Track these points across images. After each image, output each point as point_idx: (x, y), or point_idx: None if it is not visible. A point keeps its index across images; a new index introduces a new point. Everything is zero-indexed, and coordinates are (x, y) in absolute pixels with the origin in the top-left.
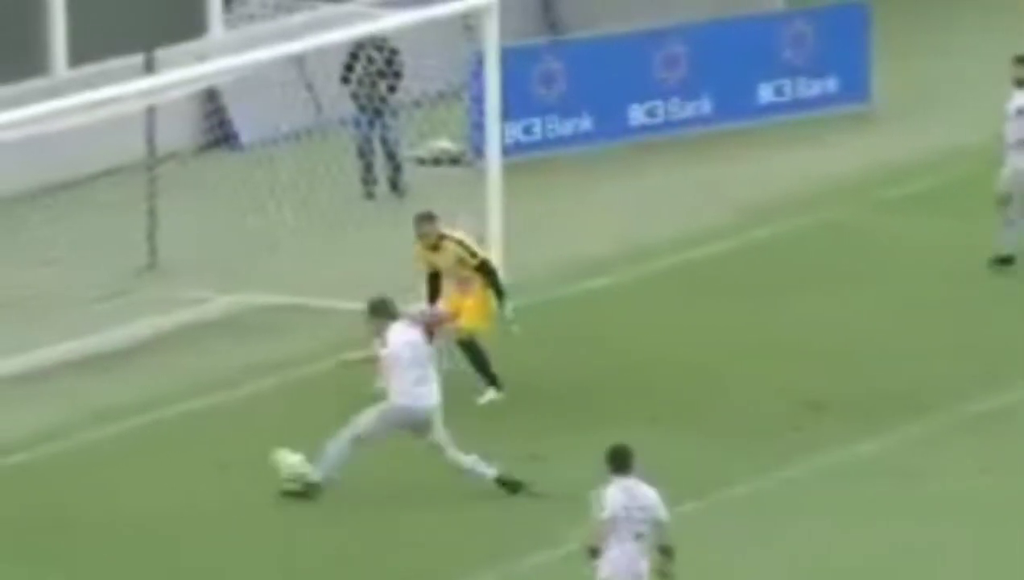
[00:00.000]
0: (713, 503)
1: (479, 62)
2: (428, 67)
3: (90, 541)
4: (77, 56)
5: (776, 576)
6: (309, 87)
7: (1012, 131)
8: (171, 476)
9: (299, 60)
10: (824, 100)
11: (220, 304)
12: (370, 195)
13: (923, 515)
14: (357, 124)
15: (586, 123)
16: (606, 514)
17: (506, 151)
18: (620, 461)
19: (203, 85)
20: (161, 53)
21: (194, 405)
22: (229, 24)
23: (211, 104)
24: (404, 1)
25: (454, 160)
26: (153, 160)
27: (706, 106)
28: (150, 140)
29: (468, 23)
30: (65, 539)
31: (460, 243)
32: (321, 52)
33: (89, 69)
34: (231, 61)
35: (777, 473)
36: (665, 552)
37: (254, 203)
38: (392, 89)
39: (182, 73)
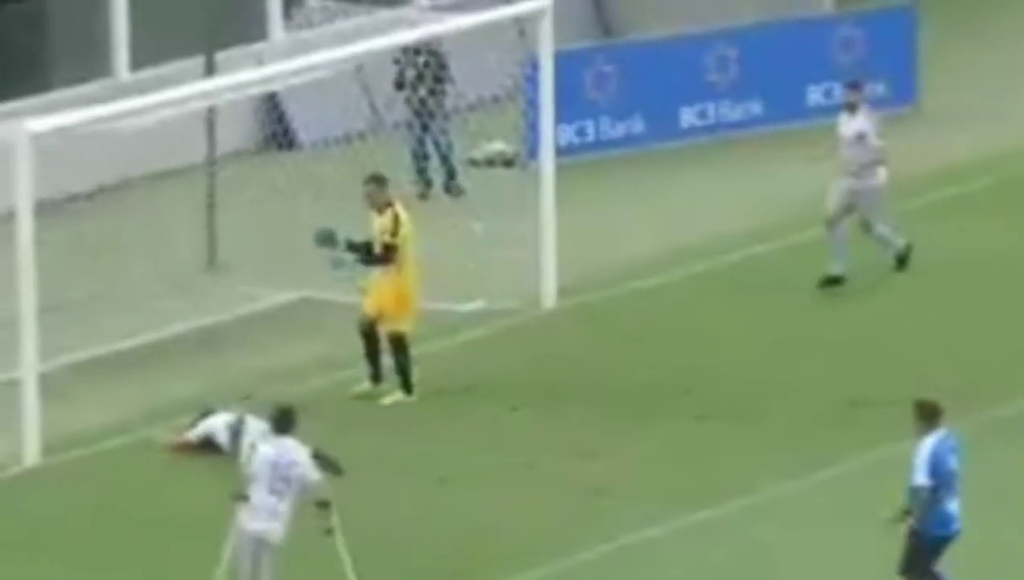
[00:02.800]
0: (761, 500)
1: (533, 65)
2: (483, 71)
3: (149, 537)
4: (139, 59)
5: (822, 572)
6: (365, 89)
7: None
8: (229, 473)
9: (356, 63)
10: (872, 102)
11: (277, 301)
12: (424, 196)
13: (969, 513)
14: (411, 127)
15: (638, 125)
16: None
17: (559, 153)
18: (280, 421)
19: (263, 88)
20: (221, 56)
21: (250, 399)
22: (288, 27)
23: (270, 106)
24: (459, 5)
25: (508, 162)
26: (213, 160)
27: (756, 108)
28: (210, 141)
29: (522, 27)
30: (123, 533)
31: (395, 218)
32: (377, 55)
33: (151, 72)
34: (290, 64)
35: (824, 470)
36: (322, 505)
37: (311, 203)
38: (441, 93)
39: (242, 76)
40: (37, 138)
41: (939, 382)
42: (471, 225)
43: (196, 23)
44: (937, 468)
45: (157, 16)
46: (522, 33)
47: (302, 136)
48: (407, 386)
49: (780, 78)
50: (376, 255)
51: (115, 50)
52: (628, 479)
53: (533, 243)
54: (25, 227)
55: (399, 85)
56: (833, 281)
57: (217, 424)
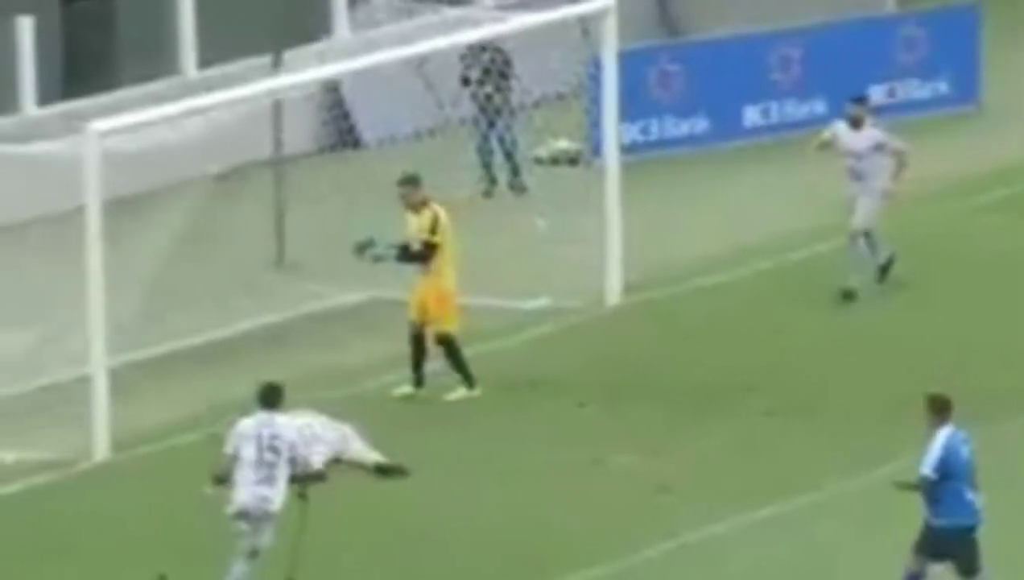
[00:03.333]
0: (823, 497)
1: (597, 64)
2: (547, 69)
3: (216, 532)
4: (206, 57)
5: (884, 570)
6: (430, 87)
7: None
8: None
9: (421, 61)
10: (935, 102)
11: (345, 300)
12: (489, 193)
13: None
14: (476, 124)
15: (702, 124)
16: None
17: (623, 151)
18: (267, 397)
19: (327, 85)
20: (287, 54)
21: (319, 397)
22: (353, 26)
23: (335, 104)
24: (523, 4)
25: (572, 160)
26: (279, 158)
27: (819, 107)
28: (276, 139)
29: (586, 26)
30: (190, 529)
31: (433, 217)
32: (442, 53)
33: (218, 70)
34: (355, 62)
35: (887, 467)
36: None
37: (376, 200)
38: (506, 91)
39: (308, 74)
40: (105, 136)
41: (996, 382)
42: (536, 222)
43: (263, 21)
44: (950, 461)
45: (224, 14)
46: (586, 32)
47: (367, 135)
48: (469, 381)
49: (843, 77)
50: (415, 253)
51: (183, 48)
52: (691, 476)
53: (597, 241)
54: (94, 225)
55: (464, 82)
56: (848, 295)
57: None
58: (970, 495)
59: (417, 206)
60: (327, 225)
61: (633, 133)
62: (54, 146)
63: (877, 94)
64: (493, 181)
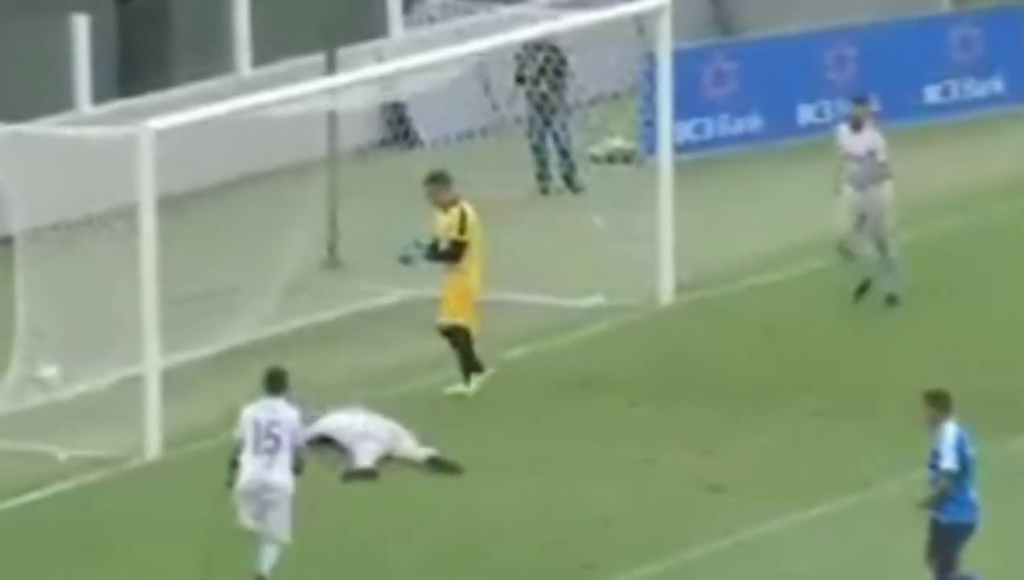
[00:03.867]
0: (876, 496)
1: (651, 62)
2: (601, 67)
3: None
4: (261, 55)
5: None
6: (486, 86)
7: None
8: (341, 467)
9: (477, 60)
10: (990, 100)
11: (397, 298)
12: (545, 191)
13: None
14: (532, 122)
15: (756, 122)
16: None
17: (677, 149)
18: (271, 383)
19: (384, 86)
20: (342, 53)
21: (371, 395)
22: (408, 24)
23: (390, 103)
24: (578, 3)
25: (627, 158)
26: (334, 157)
27: (874, 106)
28: (332, 138)
29: (641, 24)
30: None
31: (462, 216)
32: (498, 52)
33: (272, 68)
34: (410, 61)
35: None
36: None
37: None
38: (561, 89)
39: (363, 72)
40: (160, 134)
41: None
42: (592, 220)
43: (317, 20)
44: (966, 458)
45: (279, 13)
46: (641, 30)
47: (423, 134)
48: (469, 378)
49: (898, 76)
50: (444, 252)
51: (237, 46)
52: (745, 474)
53: (651, 239)
54: (148, 223)
55: (519, 80)
56: (891, 299)
57: (335, 423)
58: (973, 493)
59: (446, 205)
60: (380, 224)
61: (687, 132)
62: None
63: (932, 93)
64: (549, 179)
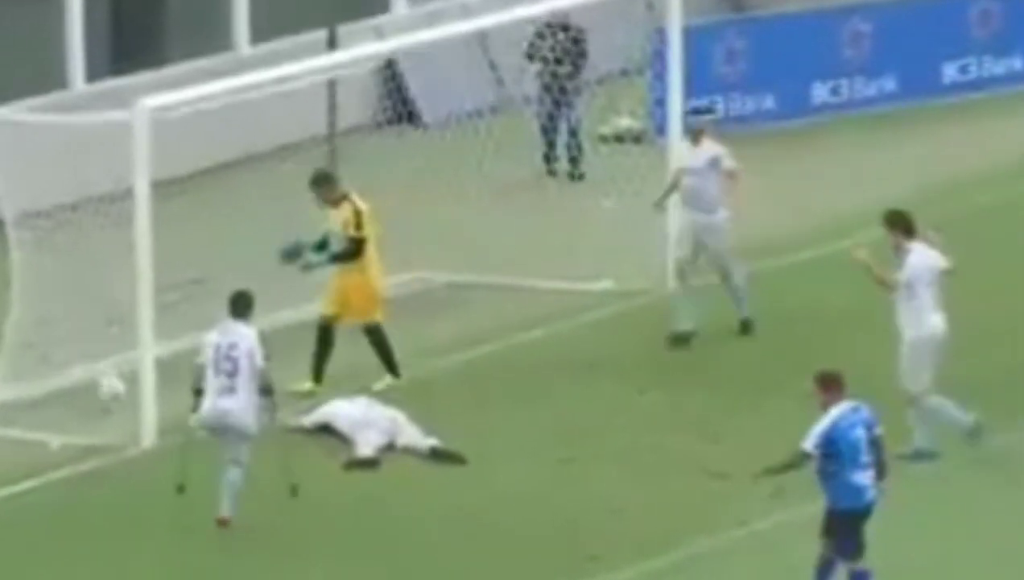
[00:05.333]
0: (893, 485)
1: (661, 40)
2: (611, 45)
3: (264, 518)
4: (259, 33)
5: (952, 554)
6: (491, 64)
7: None
8: (344, 455)
9: (481, 37)
10: (1009, 78)
11: (402, 281)
12: (552, 172)
13: None
14: (541, 102)
15: (769, 101)
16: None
17: (687, 129)
18: (234, 305)
19: (383, 61)
20: (343, 29)
21: (372, 383)
22: (412, 0)
23: (392, 81)
24: None
25: (636, 138)
26: (334, 136)
27: (890, 84)
28: (331, 117)
29: (650, 0)
30: (239, 515)
31: (356, 211)
32: (504, 29)
33: (271, 45)
34: (412, 37)
35: (949, 454)
36: (264, 392)
37: (435, 180)
38: (577, 70)
39: (364, 49)
40: (155, 114)
41: None
42: (600, 202)
43: None
44: (837, 440)
45: None
46: (650, 6)
47: (426, 113)
48: (394, 370)
49: (915, 54)
50: (344, 252)
51: (235, 23)
52: (756, 463)
53: (660, 222)
54: (143, 206)
55: (530, 58)
56: (683, 339)
57: (337, 411)
58: (858, 477)
59: (336, 202)
60: (382, 205)
61: None
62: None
63: (951, 71)
64: (556, 161)
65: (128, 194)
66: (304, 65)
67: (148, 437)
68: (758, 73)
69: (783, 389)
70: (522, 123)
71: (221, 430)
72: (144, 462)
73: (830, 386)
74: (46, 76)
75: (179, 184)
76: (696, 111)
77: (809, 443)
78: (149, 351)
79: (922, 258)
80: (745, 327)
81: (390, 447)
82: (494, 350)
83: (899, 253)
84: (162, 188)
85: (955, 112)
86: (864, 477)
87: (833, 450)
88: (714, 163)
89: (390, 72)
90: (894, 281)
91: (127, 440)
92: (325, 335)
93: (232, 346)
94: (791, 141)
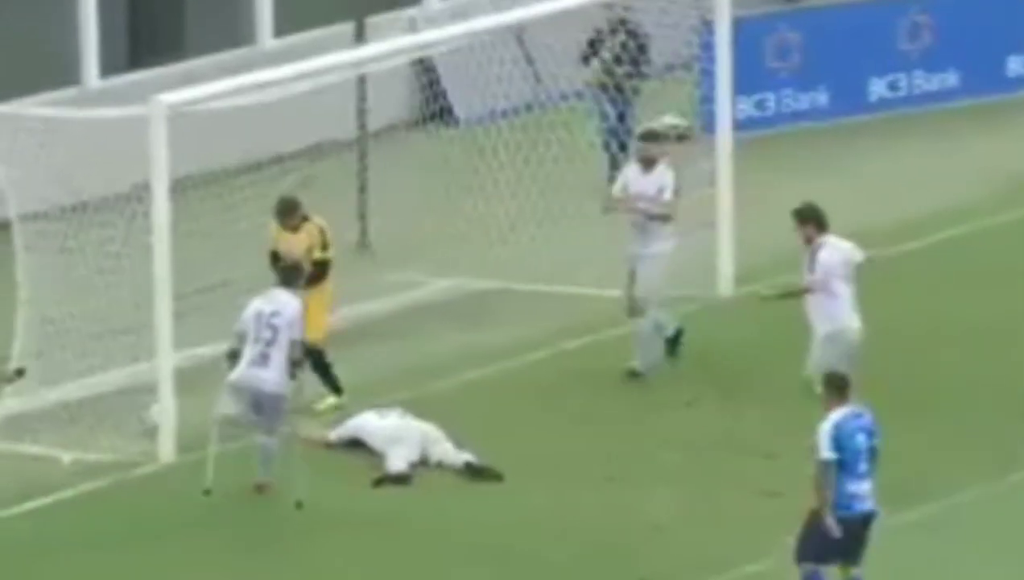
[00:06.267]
0: (957, 501)
1: (709, 32)
2: (655, 38)
3: (282, 536)
4: (283, 25)
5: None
6: (529, 60)
7: None
8: (373, 473)
9: (518, 31)
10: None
11: (434, 288)
12: (612, 180)
13: None
14: (598, 104)
15: (823, 97)
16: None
17: (737, 127)
18: (283, 274)
19: (417, 56)
20: (372, 21)
21: (405, 396)
22: None
23: (425, 77)
24: None
25: (681, 136)
26: (363, 135)
27: (952, 79)
28: (360, 114)
29: None
30: (256, 531)
31: (321, 231)
32: (542, 23)
33: (296, 38)
34: (447, 31)
35: (1016, 474)
36: (296, 364)
37: (469, 181)
38: (637, 71)
39: (395, 43)
40: (173, 110)
41: None
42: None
43: None
44: (841, 447)
45: None
46: None
47: (460, 109)
48: (337, 389)
49: (977, 47)
50: (313, 274)
51: (258, 14)
52: (810, 481)
53: (709, 226)
54: (161, 208)
55: (586, 60)
56: (632, 374)
57: (365, 424)
58: (855, 486)
59: (296, 227)
60: (414, 207)
61: (748, 107)
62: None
63: (1015, 65)
64: (615, 167)
65: (145, 194)
66: (331, 59)
67: (166, 452)
68: (811, 67)
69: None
70: (560, 121)
71: (251, 399)
72: (162, 479)
73: (833, 389)
74: (59, 71)
75: (194, 184)
76: (646, 136)
77: (824, 450)
78: (167, 360)
79: (834, 253)
80: (632, 374)
81: (422, 462)
82: (534, 359)
83: (811, 249)
84: (178, 188)
85: (1020, 107)
86: (859, 487)
87: (838, 455)
88: (661, 190)
89: (423, 67)
90: (810, 282)
91: (143, 456)
92: (319, 358)
93: (275, 314)
94: (846, 140)
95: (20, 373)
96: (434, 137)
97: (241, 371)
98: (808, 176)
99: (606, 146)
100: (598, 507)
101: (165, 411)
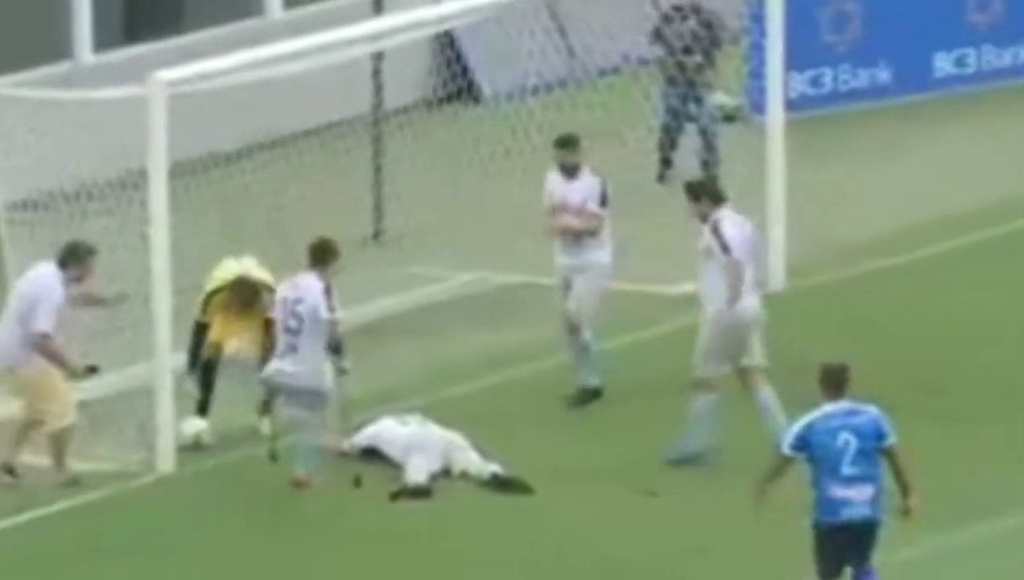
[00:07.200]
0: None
1: (760, 3)
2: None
3: (288, 549)
4: None
5: None
6: (561, 31)
7: None
8: (390, 484)
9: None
10: None
11: (455, 282)
12: (662, 178)
13: None
14: (665, 97)
15: (884, 74)
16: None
17: (790, 106)
18: (311, 254)
19: (438, 28)
20: None
21: (425, 400)
22: None
23: (447, 51)
24: None
25: (729, 116)
26: (380, 115)
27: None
28: (377, 92)
29: None
30: (259, 546)
31: (269, 289)
32: None
33: (307, 10)
34: (471, 0)
35: None
36: (333, 349)
37: (494, 166)
38: (709, 61)
39: (415, 14)
40: (173, 88)
41: None
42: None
43: None
44: (811, 444)
45: None
46: None
47: (485, 87)
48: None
49: None
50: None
51: None
52: None
53: (758, 213)
54: (159, 194)
55: (657, 37)
56: (594, 394)
57: (384, 432)
58: (836, 491)
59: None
60: (435, 193)
61: (801, 85)
62: None
63: None
64: (671, 167)
65: (142, 180)
66: (346, 32)
67: (165, 462)
68: (871, 41)
69: (905, 409)
70: (596, 99)
71: (286, 394)
72: (160, 492)
73: (824, 381)
74: (49, 45)
75: (195, 167)
76: (563, 144)
77: (784, 443)
78: (166, 361)
79: (737, 229)
80: (584, 396)
81: (445, 473)
82: (564, 361)
83: (710, 226)
84: (176, 172)
85: None
86: (845, 491)
87: (808, 455)
88: (589, 201)
89: (444, 40)
90: (730, 262)
91: (140, 466)
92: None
93: (298, 301)
94: (910, 120)
95: (93, 370)
96: (456, 117)
97: (271, 366)
98: (866, 160)
99: (666, 131)
100: (637, 524)
101: (163, 418)
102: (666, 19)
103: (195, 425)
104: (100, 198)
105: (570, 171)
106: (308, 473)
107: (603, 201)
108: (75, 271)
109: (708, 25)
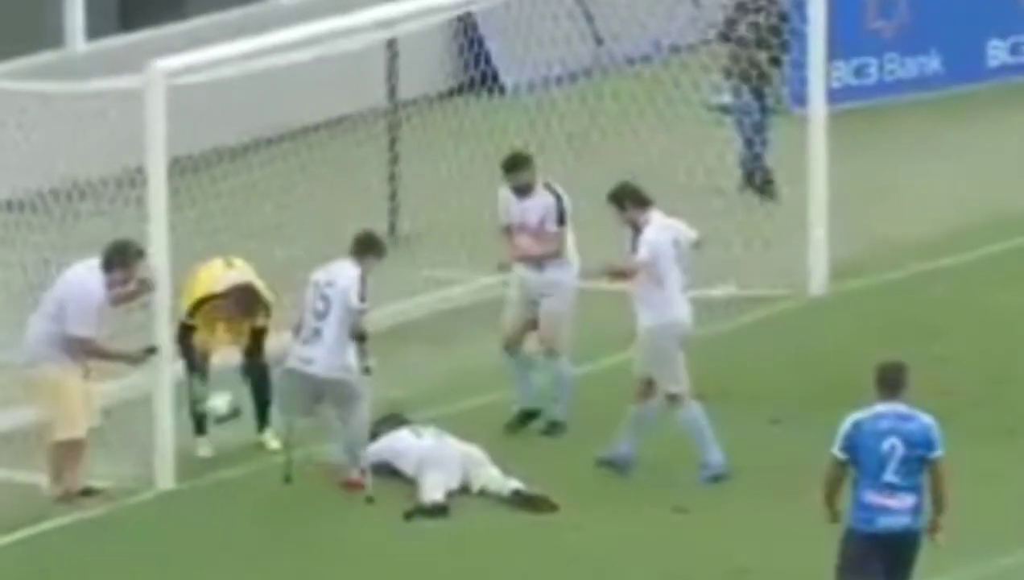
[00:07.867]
0: None
1: None
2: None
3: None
4: None
5: None
6: (588, 17)
7: None
8: (402, 499)
9: None
10: None
11: (475, 286)
12: (752, 185)
13: None
14: (737, 95)
15: (934, 63)
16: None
17: (833, 97)
18: (353, 243)
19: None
20: None
21: (442, 411)
22: None
23: (466, 37)
24: None
25: (766, 109)
26: (394, 105)
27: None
28: (391, 82)
29: None
30: (268, 564)
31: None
32: None
33: None
34: None
35: None
36: (359, 339)
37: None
38: (778, 57)
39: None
40: (172, 78)
41: None
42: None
43: None
44: (857, 446)
45: None
46: None
47: (506, 76)
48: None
49: None
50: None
51: None
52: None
53: (798, 212)
54: (158, 189)
55: (725, 38)
56: (530, 416)
57: (397, 446)
58: (872, 497)
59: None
60: (453, 190)
61: (846, 74)
62: None
63: None
64: (763, 171)
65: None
66: (358, 18)
67: (164, 478)
68: (920, 28)
69: (955, 421)
70: (625, 88)
71: (307, 387)
72: (159, 509)
73: (879, 380)
74: (38, 33)
75: (196, 163)
76: (512, 166)
77: (835, 447)
78: (166, 369)
79: (661, 232)
80: (553, 427)
81: (463, 490)
82: (592, 370)
83: (636, 230)
84: (176, 168)
85: None
86: (883, 499)
87: (852, 456)
88: (546, 222)
89: (463, 25)
90: (632, 265)
91: (138, 482)
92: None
93: (329, 284)
94: (961, 110)
95: (152, 351)
96: (476, 108)
97: (292, 355)
98: (915, 154)
99: (747, 143)
100: (668, 544)
101: (162, 429)
102: (738, 11)
103: (223, 397)
104: (93, 197)
105: (523, 190)
106: (358, 472)
107: (561, 219)
108: (121, 274)
109: (781, 19)
